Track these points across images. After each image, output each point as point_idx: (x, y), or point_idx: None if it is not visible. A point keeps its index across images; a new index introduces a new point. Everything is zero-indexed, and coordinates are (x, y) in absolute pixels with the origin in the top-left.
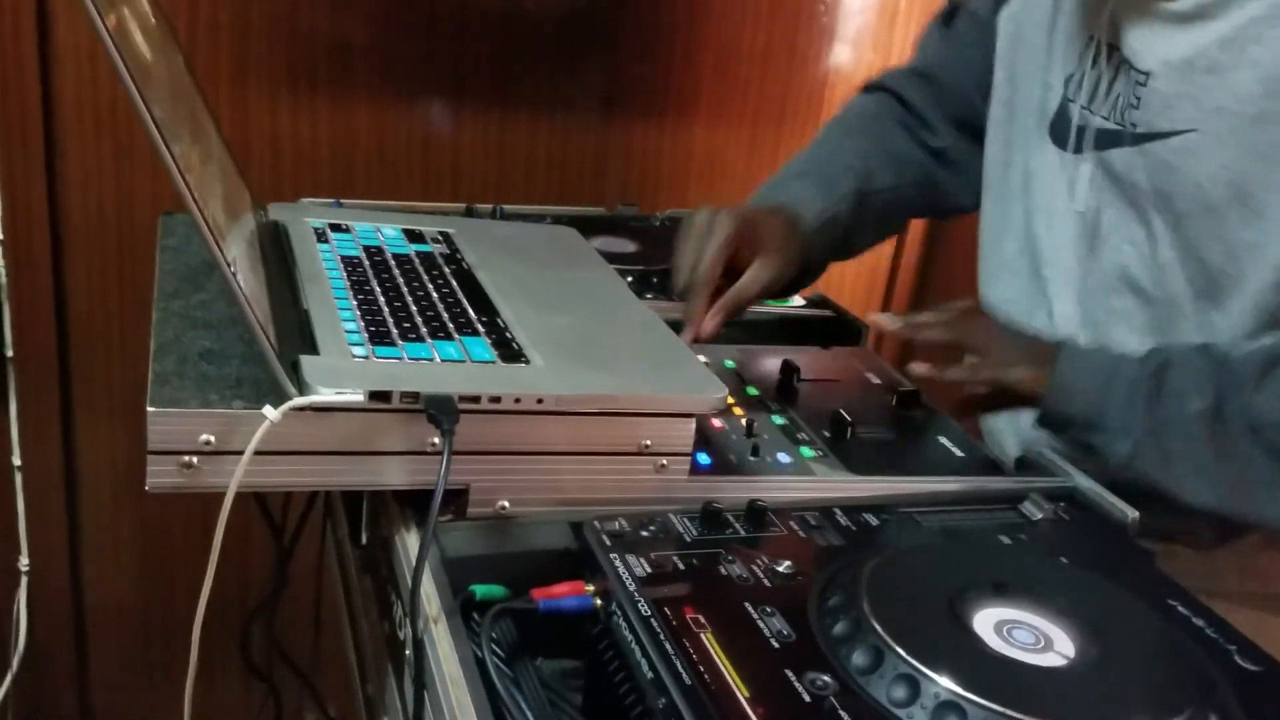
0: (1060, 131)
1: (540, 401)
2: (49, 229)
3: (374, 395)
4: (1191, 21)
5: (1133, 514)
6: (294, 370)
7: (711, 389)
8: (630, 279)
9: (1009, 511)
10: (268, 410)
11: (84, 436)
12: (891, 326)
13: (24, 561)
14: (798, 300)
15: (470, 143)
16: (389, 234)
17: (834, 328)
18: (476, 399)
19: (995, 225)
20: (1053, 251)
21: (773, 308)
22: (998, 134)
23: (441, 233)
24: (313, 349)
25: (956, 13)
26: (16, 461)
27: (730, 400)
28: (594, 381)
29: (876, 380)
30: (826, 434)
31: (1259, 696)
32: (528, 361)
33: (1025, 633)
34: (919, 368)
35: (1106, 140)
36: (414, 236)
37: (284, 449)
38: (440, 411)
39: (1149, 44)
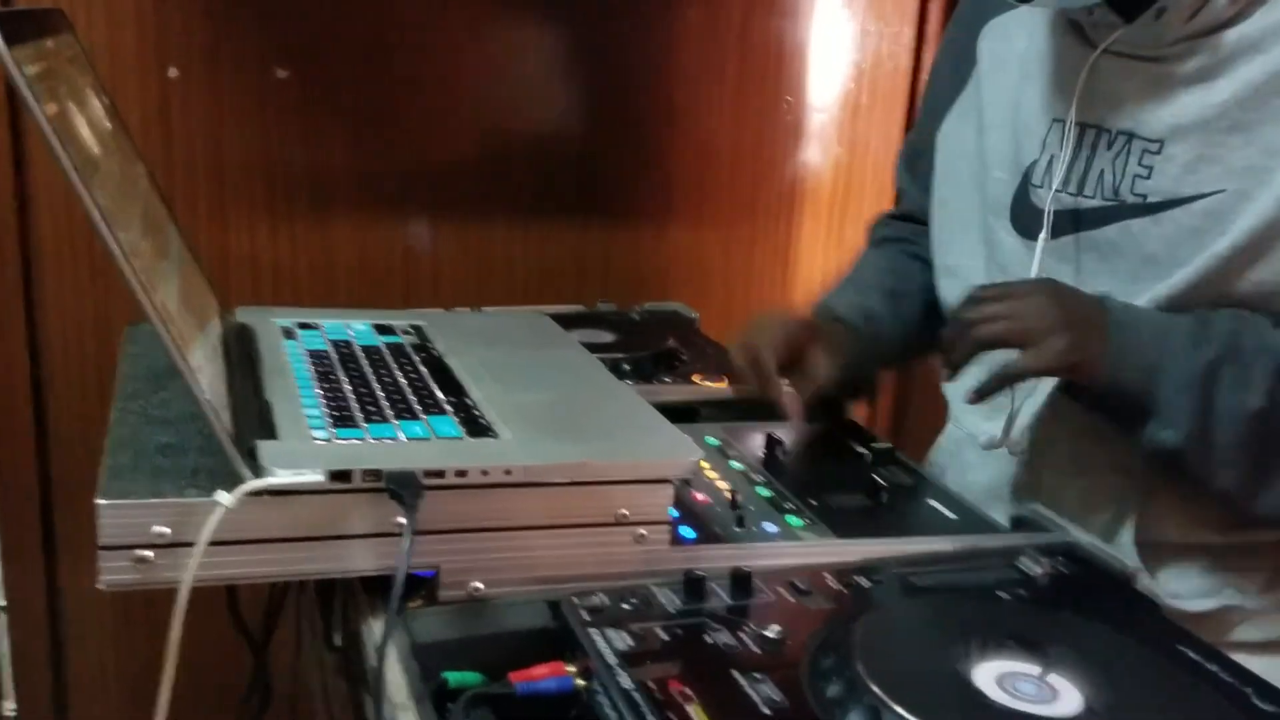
0: (1019, 218)
1: (509, 473)
2: (29, 363)
3: (334, 475)
4: (1200, 83)
5: (1134, 564)
6: (251, 456)
7: (684, 451)
8: (629, 368)
9: (1006, 568)
10: (221, 496)
11: (68, 574)
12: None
13: (9, 707)
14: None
15: (450, 251)
16: (358, 328)
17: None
18: (442, 474)
19: None
20: None
21: (744, 388)
22: (949, 240)
23: (413, 325)
24: (272, 435)
25: (918, 153)
26: (0, 602)
27: (714, 475)
28: (564, 451)
29: (864, 450)
30: (814, 503)
31: None
32: (496, 435)
33: (1030, 685)
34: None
35: (1096, 218)
36: (384, 330)
37: (243, 538)
38: (403, 487)
39: (1154, 111)
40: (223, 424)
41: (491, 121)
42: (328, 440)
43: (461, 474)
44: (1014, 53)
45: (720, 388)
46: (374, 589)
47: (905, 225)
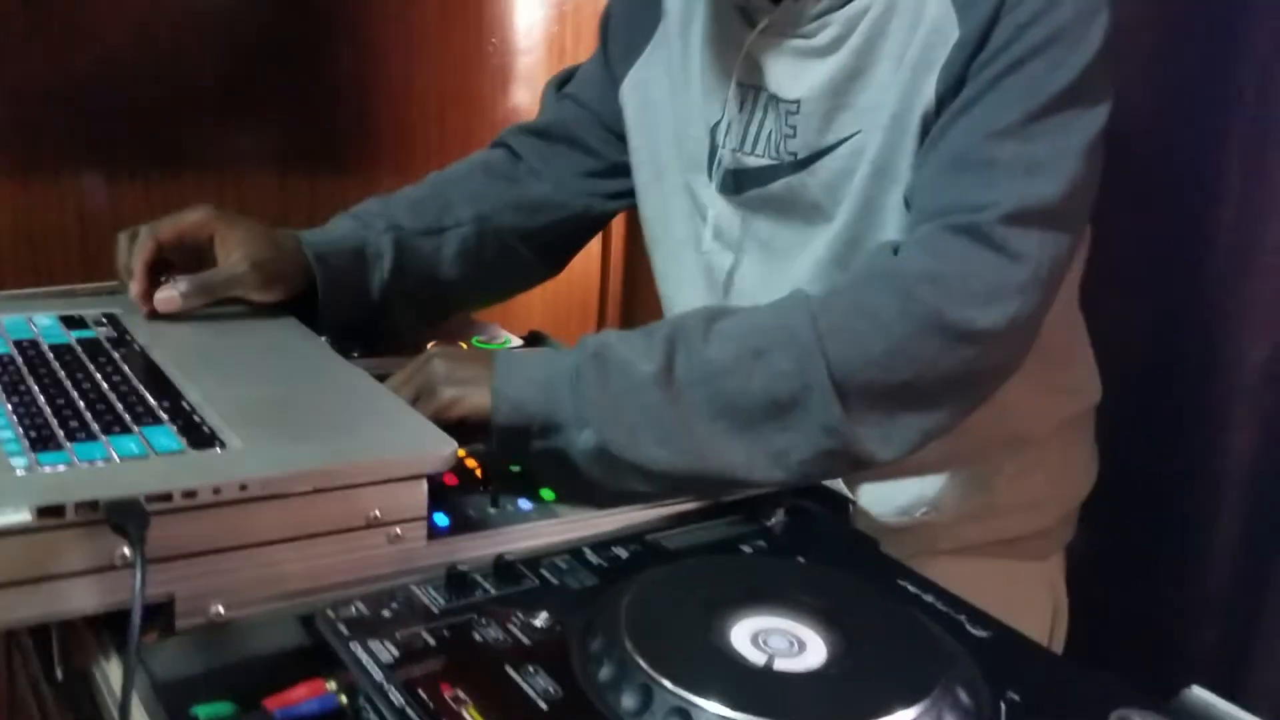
0: (719, 178)
1: (244, 488)
2: None
3: (43, 511)
4: (832, 52)
5: (850, 499)
6: None
7: (438, 444)
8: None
9: (746, 521)
10: None
11: None
12: None
13: None
14: (514, 340)
15: (133, 213)
16: (43, 323)
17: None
18: (168, 497)
19: (673, 275)
20: (740, 289)
21: (491, 351)
22: (650, 193)
23: (106, 315)
24: None
25: (570, 78)
26: None
27: (461, 452)
28: (304, 456)
29: None
30: None
31: (993, 660)
32: (223, 445)
33: (779, 639)
34: None
35: (767, 176)
36: (73, 323)
37: None
38: (126, 519)
39: (793, 78)
40: None
41: (172, 70)
42: (28, 469)
43: (190, 495)
44: (697, 11)
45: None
46: (98, 621)
47: (530, 140)
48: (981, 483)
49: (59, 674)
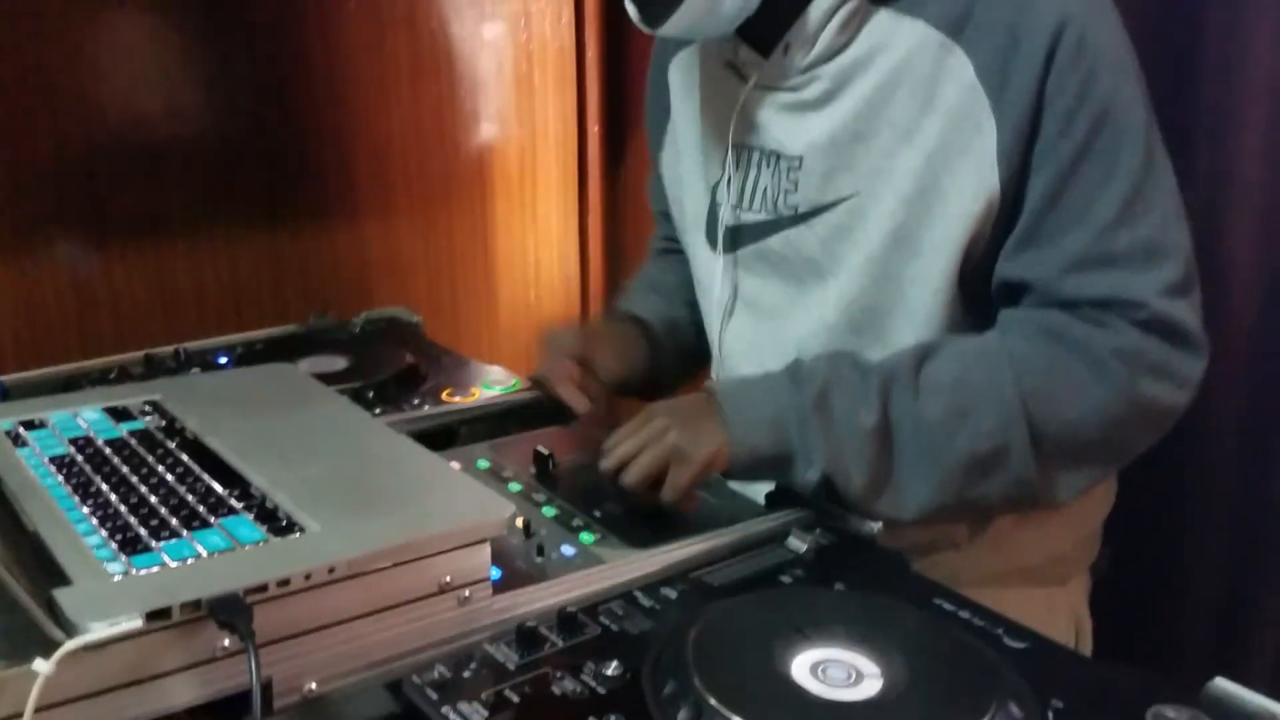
0: (711, 234)
1: (333, 571)
2: None
3: (152, 616)
4: (825, 105)
5: (876, 526)
6: (50, 608)
7: (498, 508)
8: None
9: (779, 549)
10: (39, 664)
11: None
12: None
13: None
14: (522, 381)
15: (125, 282)
16: (91, 418)
17: (555, 408)
18: (264, 588)
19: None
20: (730, 349)
21: (494, 396)
22: (692, 258)
23: (149, 403)
24: (62, 578)
25: (653, 181)
26: None
27: None
28: (381, 533)
29: None
30: (597, 514)
31: (1034, 670)
32: (303, 530)
33: (837, 669)
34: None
35: (762, 231)
36: (120, 414)
37: (60, 699)
38: (231, 614)
39: (792, 133)
40: (16, 580)
41: (154, 137)
42: (126, 573)
43: (284, 583)
44: (694, 82)
45: (472, 401)
46: (195, 709)
47: (672, 242)
48: (989, 518)
49: None
